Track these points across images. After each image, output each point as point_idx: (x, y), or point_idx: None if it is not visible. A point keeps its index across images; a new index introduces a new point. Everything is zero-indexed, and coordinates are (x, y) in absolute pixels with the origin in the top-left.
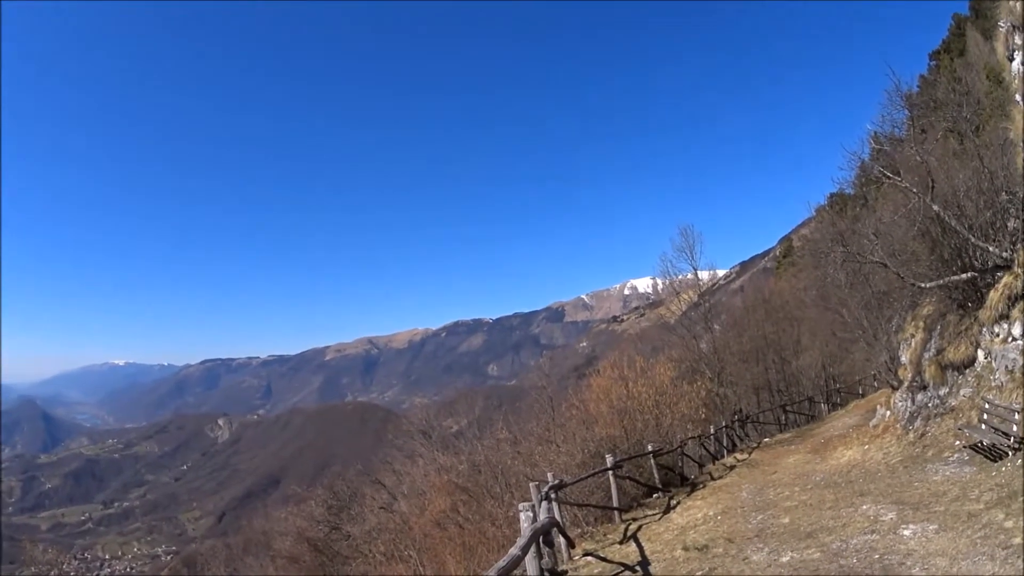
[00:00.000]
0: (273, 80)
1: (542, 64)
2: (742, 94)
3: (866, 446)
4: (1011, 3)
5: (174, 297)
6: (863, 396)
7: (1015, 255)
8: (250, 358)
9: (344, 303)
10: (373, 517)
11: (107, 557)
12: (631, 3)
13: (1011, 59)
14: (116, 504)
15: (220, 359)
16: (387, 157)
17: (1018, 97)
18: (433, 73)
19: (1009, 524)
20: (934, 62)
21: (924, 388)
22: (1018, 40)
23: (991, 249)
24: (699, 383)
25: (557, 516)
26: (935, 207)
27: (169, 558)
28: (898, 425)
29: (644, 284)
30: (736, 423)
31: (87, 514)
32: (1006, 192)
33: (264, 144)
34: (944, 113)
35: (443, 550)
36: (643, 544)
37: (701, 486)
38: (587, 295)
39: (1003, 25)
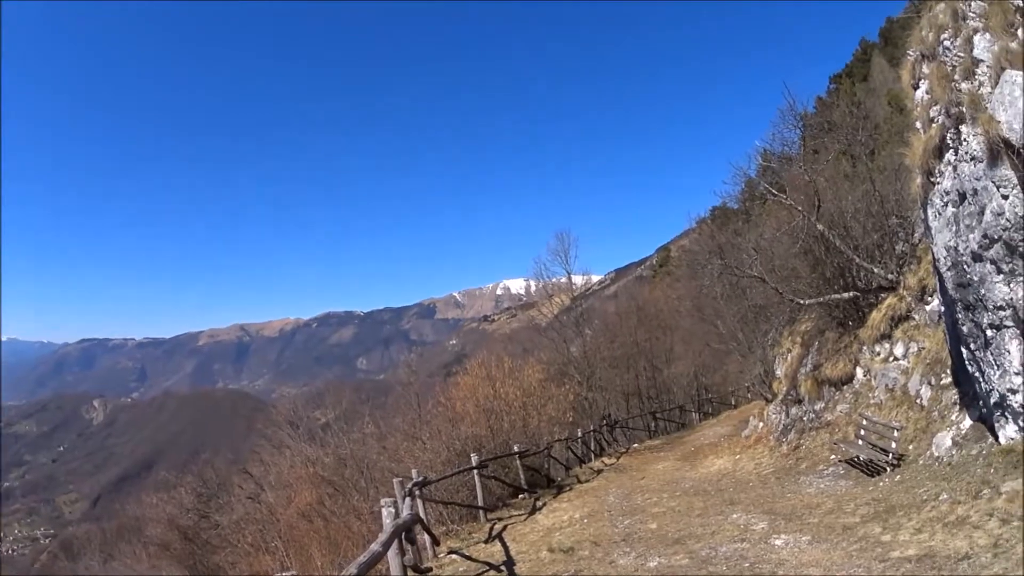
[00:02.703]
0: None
1: (417, 56)
2: (627, 106)
3: (737, 456)
4: (923, 33)
5: (52, 273)
6: (735, 407)
7: (901, 278)
8: (126, 339)
9: (218, 288)
10: (241, 507)
11: None
12: None
13: (916, 87)
14: None
15: (97, 339)
16: (264, 143)
17: (919, 125)
18: (301, 59)
19: (887, 538)
20: (834, 85)
21: (799, 402)
22: (926, 70)
23: (876, 270)
24: (568, 386)
25: (421, 513)
26: (820, 226)
27: (47, 541)
28: (771, 437)
29: (517, 285)
30: (605, 428)
31: None
32: (897, 216)
33: (148, 122)
34: (839, 135)
35: (309, 543)
36: (508, 544)
37: (568, 489)
38: (459, 293)
39: (912, 54)
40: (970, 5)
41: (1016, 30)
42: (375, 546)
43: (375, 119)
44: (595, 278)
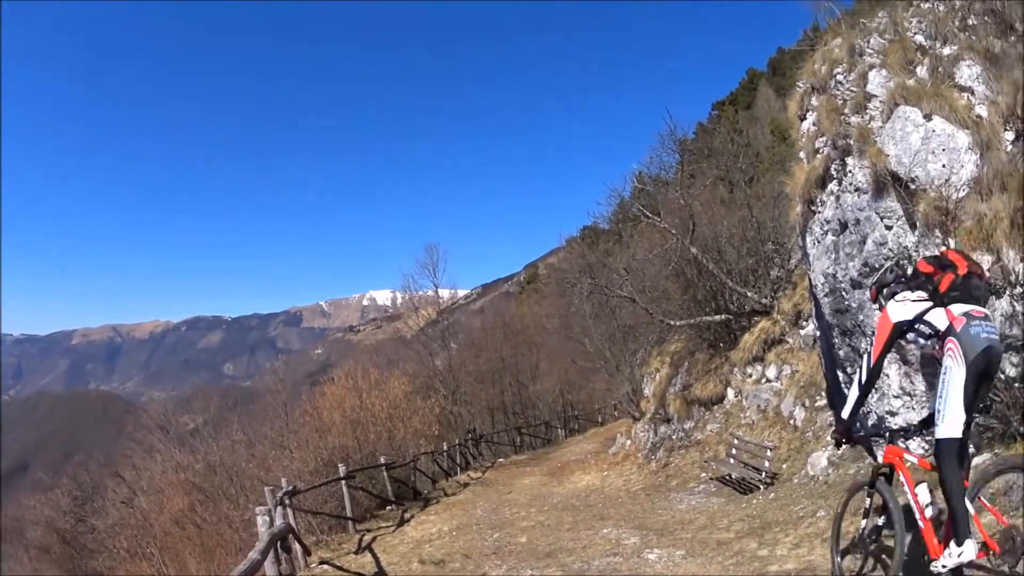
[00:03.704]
0: None
1: (292, 60)
2: (500, 123)
3: (605, 472)
4: (816, 66)
5: None
6: (602, 424)
7: (775, 302)
8: (5, 335)
9: (91, 286)
10: (115, 511)
11: None
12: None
13: (803, 118)
14: None
15: None
16: (137, 140)
17: (802, 155)
18: (174, 71)
19: (764, 552)
20: (716, 112)
21: (668, 421)
22: (815, 102)
23: (750, 295)
24: (433, 399)
25: (292, 523)
26: (693, 250)
27: None
28: (639, 454)
29: (384, 296)
30: (470, 442)
31: None
32: (773, 242)
33: (22, 114)
34: (718, 161)
35: (184, 550)
36: (379, 555)
37: (435, 501)
38: (326, 302)
39: (802, 85)
40: (868, 41)
41: (915, 68)
42: (254, 554)
43: (248, 121)
44: (462, 292)
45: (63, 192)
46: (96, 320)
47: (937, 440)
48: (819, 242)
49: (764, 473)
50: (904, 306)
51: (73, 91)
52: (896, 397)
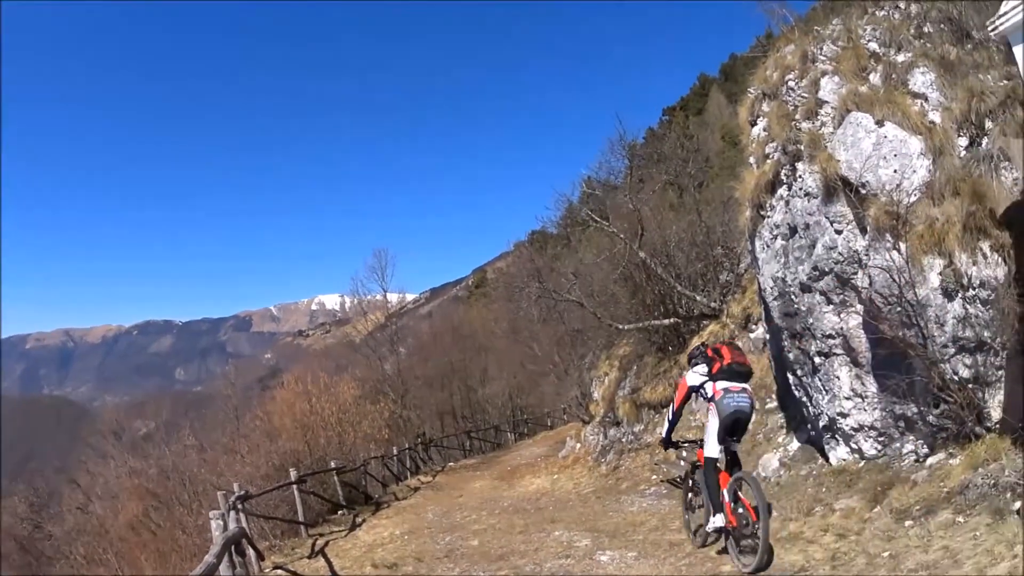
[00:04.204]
0: None
1: (230, 64)
2: (448, 125)
3: (556, 476)
4: (767, 72)
5: None
6: (552, 428)
7: (724, 306)
8: None
9: (43, 290)
10: (71, 518)
11: None
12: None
13: (753, 124)
14: None
15: None
16: (85, 140)
17: (752, 160)
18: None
19: (714, 553)
20: (667, 117)
21: (617, 424)
22: (766, 108)
23: (699, 298)
24: (383, 404)
25: (246, 527)
26: (642, 254)
27: None
28: (589, 457)
29: (333, 301)
30: (420, 446)
31: None
32: (723, 247)
33: None
34: (667, 166)
35: (140, 556)
36: (332, 560)
37: (386, 506)
38: (275, 307)
39: (753, 91)
40: (821, 48)
41: (868, 74)
42: (209, 557)
43: (196, 122)
44: (410, 297)
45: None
46: (49, 324)
47: (705, 457)
48: (768, 246)
49: None
50: (695, 376)
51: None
52: (847, 399)
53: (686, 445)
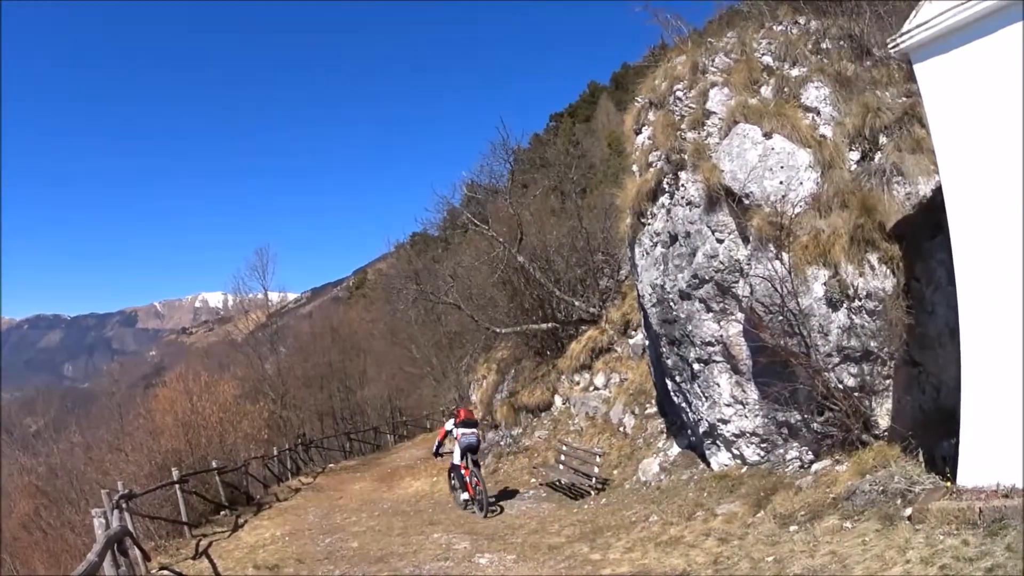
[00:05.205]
0: None
1: (143, 54)
2: (331, 124)
3: (435, 478)
4: (656, 82)
5: None
6: (431, 430)
7: (604, 312)
8: None
9: None
10: None
11: None
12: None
13: (638, 132)
14: None
15: None
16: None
17: (635, 168)
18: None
19: (596, 556)
20: (554, 123)
21: (496, 427)
22: (652, 116)
23: (577, 304)
24: (263, 404)
25: (130, 527)
26: (521, 258)
27: None
28: None
29: (216, 299)
30: (300, 447)
31: None
32: (603, 253)
33: None
34: (551, 172)
35: (32, 555)
36: (215, 560)
37: (268, 507)
38: (160, 303)
39: (640, 100)
40: (713, 60)
41: (759, 87)
42: (91, 556)
43: (80, 114)
44: (291, 296)
45: None
46: None
47: (452, 463)
48: (648, 253)
49: (594, 479)
50: (450, 424)
51: None
52: (728, 405)
53: (446, 453)
